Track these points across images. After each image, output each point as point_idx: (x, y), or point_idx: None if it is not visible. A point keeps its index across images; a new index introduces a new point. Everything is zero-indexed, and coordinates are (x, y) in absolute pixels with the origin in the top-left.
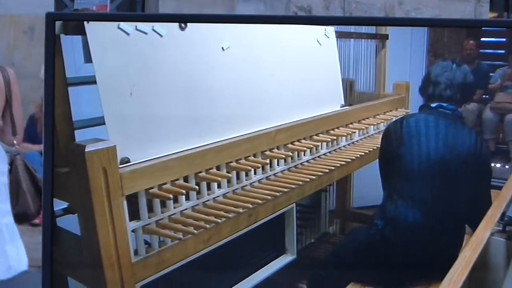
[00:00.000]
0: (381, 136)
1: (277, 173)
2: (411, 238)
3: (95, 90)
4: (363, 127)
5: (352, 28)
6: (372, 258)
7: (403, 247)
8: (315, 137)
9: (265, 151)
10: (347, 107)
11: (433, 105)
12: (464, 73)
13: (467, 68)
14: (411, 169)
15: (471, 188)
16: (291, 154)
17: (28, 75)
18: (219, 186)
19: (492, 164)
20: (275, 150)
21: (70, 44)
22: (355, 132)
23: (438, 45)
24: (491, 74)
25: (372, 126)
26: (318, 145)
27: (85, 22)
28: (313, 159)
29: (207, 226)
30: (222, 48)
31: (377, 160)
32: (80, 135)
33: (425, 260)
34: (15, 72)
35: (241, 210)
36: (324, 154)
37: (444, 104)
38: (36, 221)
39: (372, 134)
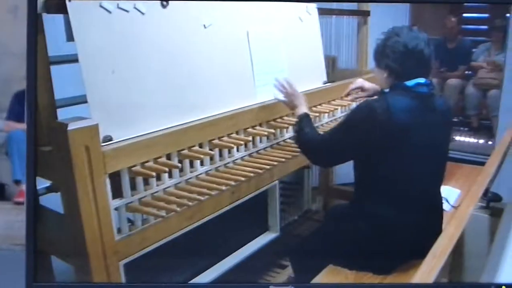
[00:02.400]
0: (353, 115)
1: (259, 150)
2: (391, 232)
3: (78, 69)
4: (345, 104)
5: (334, 5)
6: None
7: (383, 238)
8: None
9: (248, 128)
10: (329, 83)
11: (409, 83)
12: (427, 40)
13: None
14: (398, 162)
15: (446, 154)
16: (273, 131)
17: (12, 54)
18: (202, 164)
19: (475, 140)
20: (258, 127)
21: (52, 22)
22: (337, 109)
23: (420, 21)
24: (473, 50)
25: (354, 103)
26: None
27: (67, 1)
28: None
29: (190, 203)
30: (204, 25)
31: (336, 137)
32: (62, 114)
33: (406, 248)
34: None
35: (224, 188)
36: None
37: (422, 81)
38: (21, 199)
39: None
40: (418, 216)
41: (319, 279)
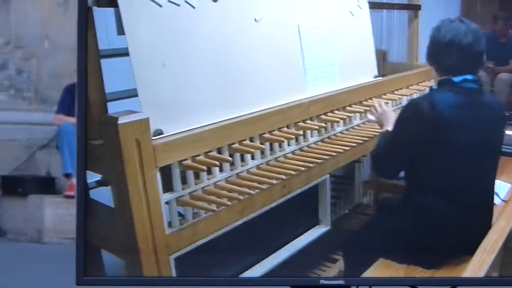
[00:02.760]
0: (402, 116)
1: (310, 144)
2: (441, 227)
3: (128, 62)
4: (396, 98)
5: None
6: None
7: (433, 232)
8: (348, 108)
9: (299, 122)
10: (380, 77)
11: (457, 79)
12: (479, 34)
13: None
14: (448, 158)
15: (498, 150)
16: (324, 125)
17: (63, 48)
18: (252, 158)
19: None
20: (309, 121)
21: (102, 16)
22: (388, 103)
23: (470, 15)
24: None
25: (405, 97)
26: (352, 116)
27: None
28: (346, 130)
29: (241, 197)
30: (255, 19)
31: (388, 142)
32: (113, 107)
33: (456, 242)
34: (49, 45)
35: (274, 182)
36: (357, 125)
37: (469, 78)
38: (71, 193)
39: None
40: (468, 210)
41: (369, 272)
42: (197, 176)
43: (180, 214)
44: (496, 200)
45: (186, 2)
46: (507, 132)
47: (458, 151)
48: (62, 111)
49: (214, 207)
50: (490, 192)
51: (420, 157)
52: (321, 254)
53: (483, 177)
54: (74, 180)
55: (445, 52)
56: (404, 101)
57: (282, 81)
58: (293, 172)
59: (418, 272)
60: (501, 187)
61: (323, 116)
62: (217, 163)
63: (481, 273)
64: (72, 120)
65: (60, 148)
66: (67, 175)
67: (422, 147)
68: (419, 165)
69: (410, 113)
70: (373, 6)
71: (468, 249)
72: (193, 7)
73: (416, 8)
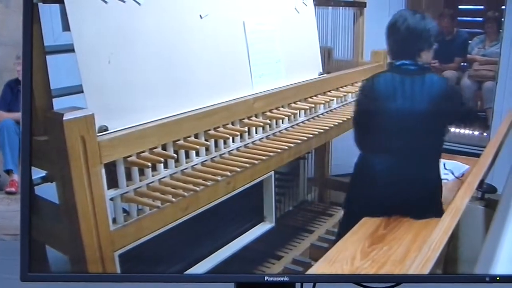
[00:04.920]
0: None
1: (255, 141)
2: (386, 184)
3: (73, 59)
4: (341, 95)
5: None
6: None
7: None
8: (293, 104)
9: (243, 119)
10: (325, 74)
11: (397, 63)
12: (423, 21)
13: (426, 16)
14: (384, 124)
15: (441, 128)
16: (269, 121)
17: (3, 44)
18: (197, 154)
19: (471, 132)
20: (253, 118)
21: (48, 12)
22: (333, 100)
23: None
24: (469, 42)
25: (350, 94)
26: (296, 113)
27: None
28: (291, 126)
29: (186, 194)
30: (200, 16)
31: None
32: (58, 104)
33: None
34: None
35: (219, 178)
36: (302, 122)
37: (407, 62)
38: (12, 189)
39: (350, 102)
40: (410, 176)
41: (314, 269)
42: (142, 172)
43: (124, 211)
44: (450, 177)
45: None
46: (452, 129)
47: (397, 123)
48: (3, 107)
49: (158, 203)
50: (433, 163)
51: (367, 126)
52: (266, 251)
53: (423, 145)
54: (15, 176)
55: (387, 36)
56: (349, 98)
57: (227, 77)
58: (238, 169)
59: (363, 269)
60: (457, 166)
61: (268, 113)
62: (162, 159)
63: (425, 270)
64: (12, 116)
65: (0, 145)
66: (8, 172)
67: (367, 119)
68: (368, 132)
69: (359, 92)
70: (318, 3)
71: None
72: (139, 3)
73: (361, 5)
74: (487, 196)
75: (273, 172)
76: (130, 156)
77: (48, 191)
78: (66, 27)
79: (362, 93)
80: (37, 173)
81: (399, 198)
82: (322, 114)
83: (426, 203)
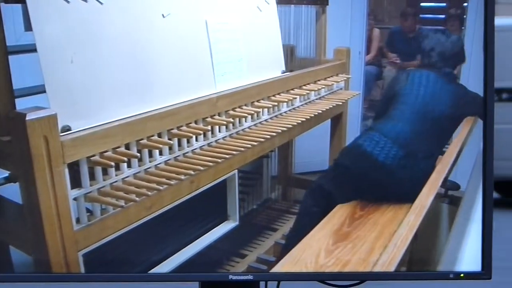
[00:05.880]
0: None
1: (218, 139)
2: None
3: (36, 59)
4: (304, 93)
5: None
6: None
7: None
8: (256, 103)
9: (207, 117)
10: (288, 73)
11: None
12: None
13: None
14: (402, 112)
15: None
16: (232, 120)
17: None
18: (160, 153)
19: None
20: (217, 117)
21: (10, 12)
22: (296, 98)
23: (378, 10)
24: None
25: (313, 92)
26: (260, 111)
27: None
28: (254, 125)
29: (149, 193)
30: (163, 15)
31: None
32: (21, 104)
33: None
34: None
35: (183, 177)
36: (265, 120)
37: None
38: None
39: (313, 100)
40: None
41: (279, 267)
42: (105, 172)
43: (88, 210)
44: None
45: None
46: None
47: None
48: None
49: (122, 203)
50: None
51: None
52: (230, 250)
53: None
54: None
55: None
56: (312, 96)
57: (190, 76)
58: (201, 168)
59: (327, 267)
60: None
61: (231, 112)
62: (125, 159)
63: (390, 268)
64: None
65: None
66: None
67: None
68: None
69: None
70: (280, 1)
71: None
72: (101, 3)
73: (323, 3)
74: (450, 193)
75: (236, 170)
76: (93, 155)
77: (12, 192)
78: (28, 27)
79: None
80: (0, 173)
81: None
82: (285, 112)
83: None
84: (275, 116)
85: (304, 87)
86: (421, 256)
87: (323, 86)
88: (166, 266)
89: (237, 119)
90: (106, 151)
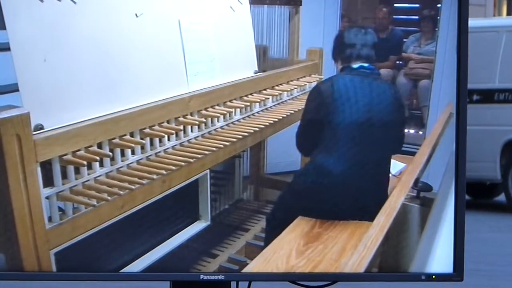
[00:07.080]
0: (306, 99)
1: (190, 139)
2: (340, 187)
3: (9, 57)
4: (277, 93)
5: None
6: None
7: (334, 194)
8: (228, 103)
9: (179, 117)
10: (260, 73)
11: (355, 66)
12: (374, 36)
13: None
14: (343, 127)
15: (391, 136)
16: (204, 120)
17: None
18: (133, 153)
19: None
20: (189, 117)
21: None
22: (268, 98)
23: (351, 11)
24: (404, 40)
25: (285, 92)
26: (232, 111)
27: None
28: (226, 125)
29: (121, 192)
30: (136, 14)
31: (301, 123)
32: None
33: (355, 201)
34: None
35: (155, 177)
36: (237, 120)
37: (365, 65)
38: None
39: (285, 100)
40: (362, 177)
41: (250, 267)
42: (77, 171)
43: (60, 209)
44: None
45: None
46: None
47: (354, 123)
48: None
49: (94, 202)
50: (384, 162)
51: (322, 129)
52: (201, 249)
53: (376, 148)
54: None
55: (345, 48)
56: (285, 96)
57: (163, 76)
58: (173, 167)
59: (298, 268)
60: (395, 165)
61: (203, 111)
62: (97, 158)
63: (361, 269)
64: None
65: None
66: None
67: (324, 122)
68: (323, 134)
69: (314, 94)
70: (254, 1)
71: (361, 213)
72: (74, 2)
73: (297, 3)
74: (422, 195)
75: (208, 170)
76: (65, 154)
77: None
78: (1, 25)
79: (320, 94)
80: None
81: (350, 201)
82: (257, 112)
83: (375, 205)
84: (248, 116)
85: (276, 87)
86: (393, 258)
87: (296, 87)
88: (137, 265)
89: (210, 119)
90: (78, 150)
